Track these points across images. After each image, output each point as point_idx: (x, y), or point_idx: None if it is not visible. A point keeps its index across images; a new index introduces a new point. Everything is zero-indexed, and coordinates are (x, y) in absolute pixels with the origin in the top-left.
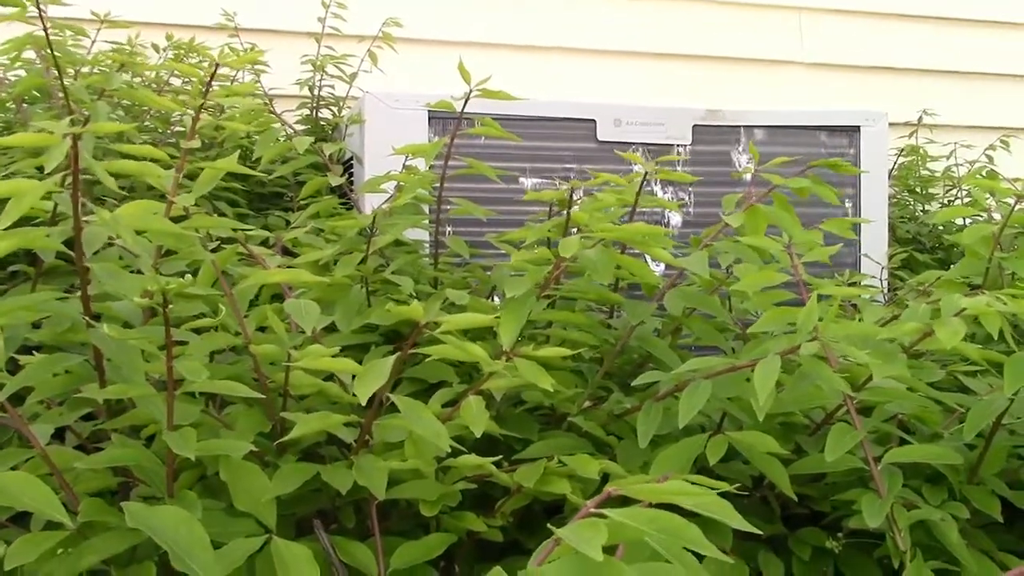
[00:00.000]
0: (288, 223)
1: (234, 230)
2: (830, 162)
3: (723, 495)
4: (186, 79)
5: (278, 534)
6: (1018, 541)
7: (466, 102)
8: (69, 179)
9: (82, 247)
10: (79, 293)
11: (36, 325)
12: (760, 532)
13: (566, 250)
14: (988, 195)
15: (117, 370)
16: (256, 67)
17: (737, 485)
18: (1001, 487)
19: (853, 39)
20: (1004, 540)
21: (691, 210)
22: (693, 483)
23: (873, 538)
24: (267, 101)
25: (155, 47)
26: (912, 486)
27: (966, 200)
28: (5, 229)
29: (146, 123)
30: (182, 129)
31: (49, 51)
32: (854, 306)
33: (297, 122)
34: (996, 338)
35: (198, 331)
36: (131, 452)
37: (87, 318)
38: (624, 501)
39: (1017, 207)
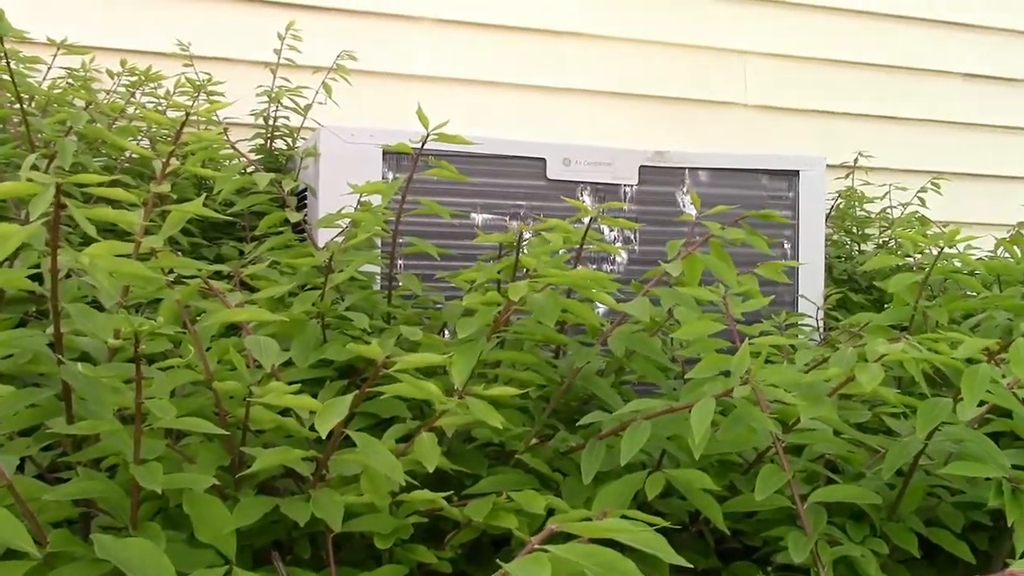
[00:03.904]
0: (241, 252)
1: (198, 269)
2: (762, 213)
3: (662, 529)
4: (139, 108)
5: (236, 565)
6: (939, 575)
7: (423, 145)
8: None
9: (57, 290)
10: (48, 330)
11: None
12: (693, 566)
13: (515, 294)
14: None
15: (84, 405)
16: (212, 96)
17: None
18: (918, 524)
19: (795, 83)
20: (926, 574)
21: (637, 248)
22: (632, 519)
23: (802, 572)
24: (223, 130)
25: (110, 73)
26: (837, 523)
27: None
28: None
29: (102, 151)
30: (136, 156)
31: (11, 81)
32: (793, 347)
33: (251, 151)
34: (920, 381)
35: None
36: (97, 484)
37: (58, 356)
38: (569, 536)
39: (939, 258)
